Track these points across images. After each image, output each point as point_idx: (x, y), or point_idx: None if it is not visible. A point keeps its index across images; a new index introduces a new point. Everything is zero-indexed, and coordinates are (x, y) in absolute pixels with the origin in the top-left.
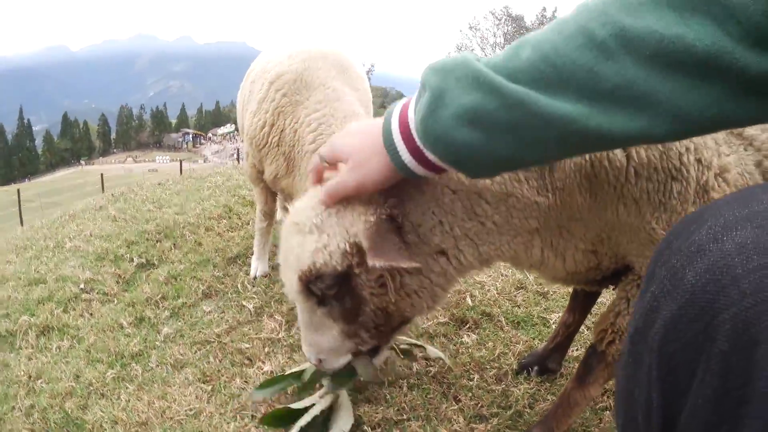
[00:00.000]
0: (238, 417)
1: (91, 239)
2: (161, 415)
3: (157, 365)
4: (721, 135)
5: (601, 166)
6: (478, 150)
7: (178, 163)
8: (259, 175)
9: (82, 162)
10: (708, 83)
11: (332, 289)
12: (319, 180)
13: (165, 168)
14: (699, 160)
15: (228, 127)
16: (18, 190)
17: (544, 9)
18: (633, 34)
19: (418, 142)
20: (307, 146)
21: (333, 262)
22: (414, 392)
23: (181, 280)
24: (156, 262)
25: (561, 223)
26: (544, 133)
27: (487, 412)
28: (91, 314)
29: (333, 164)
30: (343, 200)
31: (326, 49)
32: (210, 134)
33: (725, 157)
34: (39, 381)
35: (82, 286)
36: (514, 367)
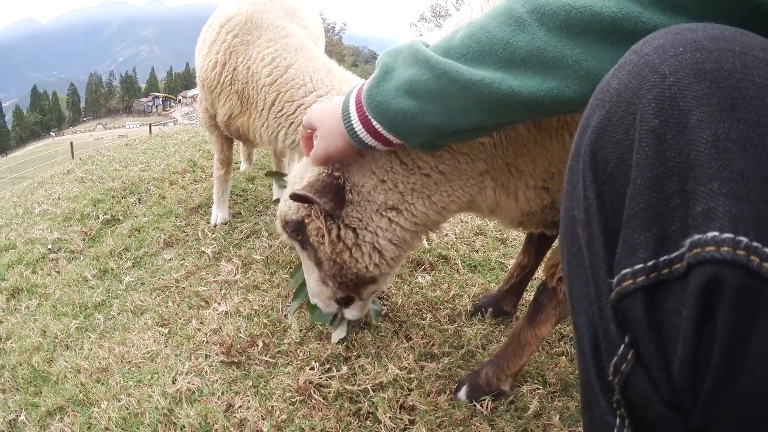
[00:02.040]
0: (192, 357)
1: (59, 202)
2: (120, 360)
3: (119, 313)
4: None
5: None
6: (413, 117)
7: (148, 127)
8: (212, 121)
9: (52, 134)
10: (617, 46)
11: (298, 234)
12: (309, 146)
13: (135, 132)
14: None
15: (198, 89)
16: None
17: None
18: (546, 8)
19: (366, 111)
20: (263, 80)
21: (290, 211)
22: (365, 330)
23: (144, 231)
24: (121, 218)
25: (509, 161)
26: (464, 99)
27: (439, 351)
28: (58, 272)
29: (311, 130)
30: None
31: None
32: (180, 97)
33: None
34: (9, 341)
35: (49, 246)
36: (469, 308)
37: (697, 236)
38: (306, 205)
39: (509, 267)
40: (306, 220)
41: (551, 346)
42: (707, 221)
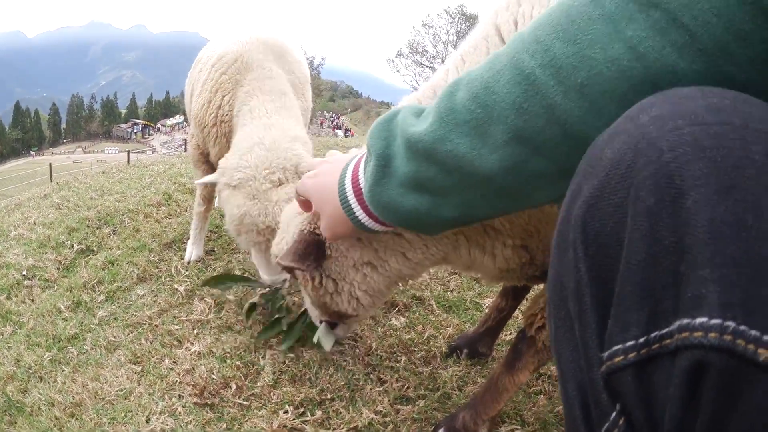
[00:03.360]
0: (166, 396)
1: (35, 227)
2: (94, 396)
3: (92, 347)
4: None
5: None
6: (427, 213)
7: (126, 154)
8: (201, 158)
9: (33, 153)
10: None
11: (288, 271)
12: (306, 206)
13: (114, 158)
14: None
15: (177, 118)
16: None
17: None
18: (563, 62)
19: (370, 209)
20: (237, 116)
21: (280, 253)
22: (339, 373)
23: (117, 265)
24: (95, 248)
25: (485, 222)
26: (486, 189)
27: (414, 394)
28: (32, 300)
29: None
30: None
31: (266, 35)
32: (159, 125)
33: None
34: None
35: (24, 272)
36: (444, 349)
37: (686, 320)
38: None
39: (484, 306)
40: (293, 266)
41: (529, 385)
42: (697, 307)
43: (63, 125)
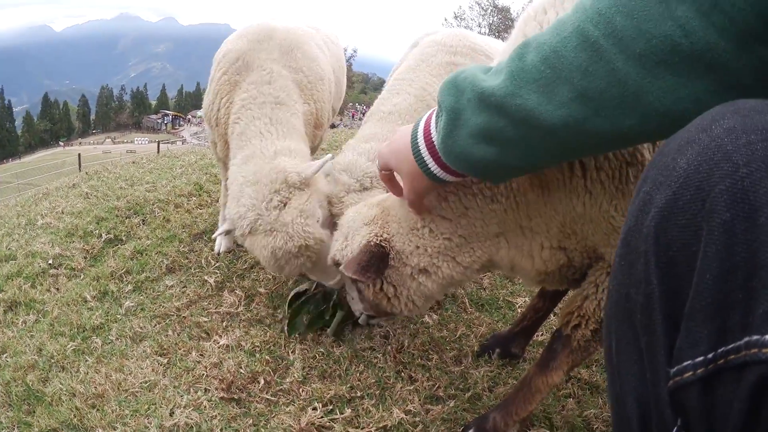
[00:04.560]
0: (191, 390)
1: (63, 216)
2: (117, 387)
3: (117, 338)
4: None
5: None
6: (495, 162)
7: (156, 144)
8: (219, 153)
9: (61, 143)
10: (693, 80)
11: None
12: (393, 185)
13: (143, 149)
14: (654, 142)
15: None
16: None
17: (531, 2)
18: (624, 33)
19: (442, 159)
20: (231, 126)
21: (338, 258)
22: (369, 370)
23: (146, 255)
24: (124, 238)
25: (522, 223)
26: (548, 143)
27: (444, 394)
28: (58, 289)
29: (388, 171)
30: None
31: (277, 27)
32: (189, 116)
33: None
34: (4, 356)
35: (50, 261)
36: (475, 349)
37: (755, 337)
38: None
39: (516, 306)
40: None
41: (558, 388)
42: (766, 323)
43: (92, 116)
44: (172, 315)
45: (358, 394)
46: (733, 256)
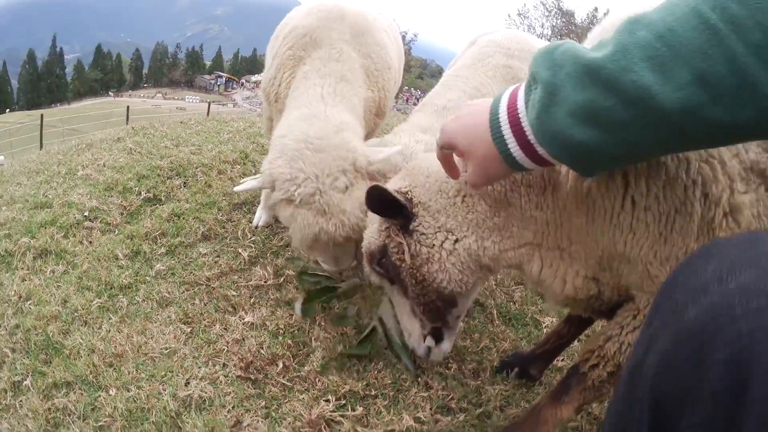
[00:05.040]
0: (210, 363)
1: (104, 169)
2: (137, 350)
3: (143, 300)
4: (737, 170)
5: (598, 190)
6: (594, 148)
7: (207, 104)
8: (272, 130)
9: (111, 93)
10: None
11: (383, 266)
12: (450, 167)
13: (193, 107)
14: (706, 195)
15: (262, 76)
16: (42, 115)
17: (596, 9)
18: (742, 20)
19: (531, 138)
20: (289, 96)
21: (373, 239)
22: (387, 370)
23: (183, 219)
24: (163, 198)
25: (561, 245)
26: (661, 129)
27: (456, 406)
28: (90, 242)
29: (451, 150)
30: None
31: (349, 9)
32: (243, 80)
33: (739, 195)
34: (28, 302)
35: (86, 213)
36: (495, 363)
37: None
38: (384, 228)
39: (543, 324)
40: (387, 241)
41: (568, 419)
42: None
43: (144, 71)
44: (202, 284)
45: (372, 392)
46: (715, 425)
